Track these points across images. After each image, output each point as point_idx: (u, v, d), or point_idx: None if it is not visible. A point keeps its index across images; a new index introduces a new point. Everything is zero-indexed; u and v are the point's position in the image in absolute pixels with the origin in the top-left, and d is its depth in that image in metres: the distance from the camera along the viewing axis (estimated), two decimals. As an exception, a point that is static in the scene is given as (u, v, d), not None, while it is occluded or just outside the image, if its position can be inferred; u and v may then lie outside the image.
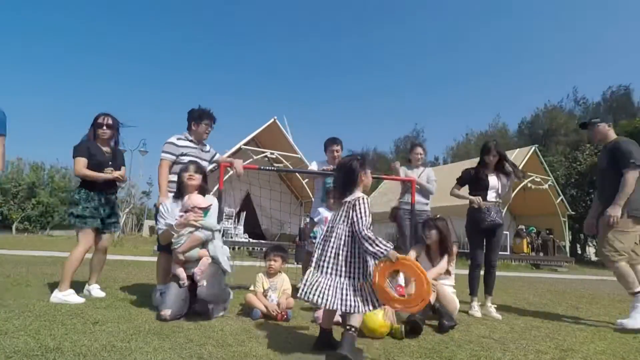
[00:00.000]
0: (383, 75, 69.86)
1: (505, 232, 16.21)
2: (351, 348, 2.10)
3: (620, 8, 50.95)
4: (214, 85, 71.72)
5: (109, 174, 3.42)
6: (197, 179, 3.16)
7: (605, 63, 54.64)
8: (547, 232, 17.04)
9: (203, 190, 3.22)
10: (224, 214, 10.45)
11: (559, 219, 17.34)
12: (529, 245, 15.86)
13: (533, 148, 16.68)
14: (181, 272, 3.01)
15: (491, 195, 3.75)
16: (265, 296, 3.20)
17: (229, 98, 69.84)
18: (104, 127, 3.50)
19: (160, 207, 3.19)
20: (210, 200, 3.19)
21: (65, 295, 3.16)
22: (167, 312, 2.78)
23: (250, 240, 13.08)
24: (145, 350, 2.08)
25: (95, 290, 3.54)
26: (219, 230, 3.26)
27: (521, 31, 60.58)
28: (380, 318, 2.66)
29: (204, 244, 3.09)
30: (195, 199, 3.08)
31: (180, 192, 3.20)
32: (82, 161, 3.38)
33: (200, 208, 3.05)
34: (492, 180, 3.77)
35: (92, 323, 2.56)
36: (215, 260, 3.07)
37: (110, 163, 3.49)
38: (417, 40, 67.23)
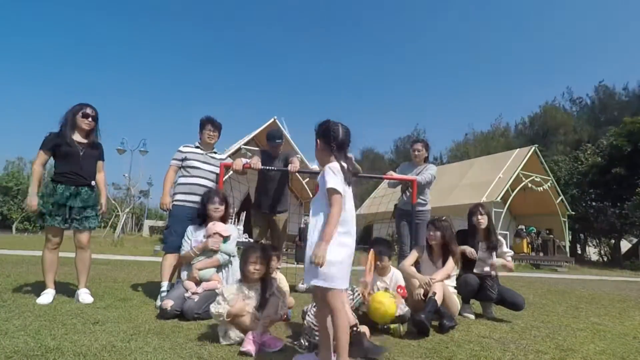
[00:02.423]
0: (383, 76, 69.83)
1: (505, 232, 16.23)
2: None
3: (617, 7, 50.95)
4: (214, 84, 71.71)
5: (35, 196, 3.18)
6: (222, 210, 3.39)
7: (600, 61, 54.67)
8: (547, 232, 17.04)
9: (225, 217, 3.46)
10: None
11: (559, 219, 17.34)
12: (529, 245, 15.86)
13: (533, 148, 16.68)
14: (192, 285, 3.08)
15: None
16: None
17: (228, 98, 69.82)
18: (90, 119, 3.36)
19: (186, 231, 3.39)
20: (232, 229, 3.40)
21: (40, 295, 3.16)
22: (168, 303, 2.84)
23: (250, 240, 13.06)
24: (145, 350, 2.08)
25: (83, 295, 3.27)
26: (236, 257, 3.38)
27: (521, 31, 60.55)
28: (386, 303, 2.73)
29: (219, 269, 3.26)
30: (219, 226, 3.30)
31: (203, 219, 3.40)
32: (41, 155, 3.27)
33: (221, 235, 3.27)
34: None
35: (92, 323, 2.57)
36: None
37: (81, 154, 3.30)
38: (417, 41, 67.19)
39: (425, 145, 4.49)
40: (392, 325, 2.79)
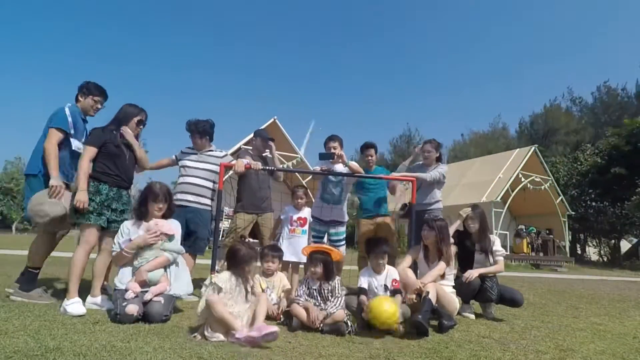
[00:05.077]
0: (381, 76, 69.84)
1: (505, 232, 16.22)
2: None
3: (618, 7, 50.96)
4: (214, 85, 71.74)
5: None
6: (164, 209, 3.15)
7: (601, 61, 54.71)
8: (547, 232, 17.05)
9: (167, 214, 3.19)
10: (224, 214, 10.41)
11: (559, 219, 17.35)
12: (529, 246, 15.87)
13: (533, 148, 16.70)
14: (135, 286, 2.84)
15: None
16: None
17: (229, 97, 69.86)
18: (142, 127, 3.44)
19: (121, 227, 3.08)
20: (175, 226, 3.18)
21: (68, 305, 2.84)
22: (134, 309, 2.64)
23: (250, 240, 13.05)
24: (145, 350, 2.07)
25: (105, 301, 3.09)
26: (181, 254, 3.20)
27: (519, 31, 60.58)
28: (388, 309, 2.72)
29: (166, 267, 3.04)
30: (162, 225, 3.05)
31: (143, 215, 3.11)
32: (90, 151, 3.10)
33: (166, 235, 3.04)
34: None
35: (92, 323, 2.57)
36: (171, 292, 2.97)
37: (127, 157, 3.25)
38: (416, 41, 67.19)
39: (435, 146, 4.43)
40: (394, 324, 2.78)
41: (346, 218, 4.36)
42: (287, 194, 4.42)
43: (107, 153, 3.17)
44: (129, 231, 3.05)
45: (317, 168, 4.34)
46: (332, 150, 4.14)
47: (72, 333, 2.30)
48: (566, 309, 4.44)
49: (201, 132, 3.97)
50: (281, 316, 3.05)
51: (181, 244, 3.23)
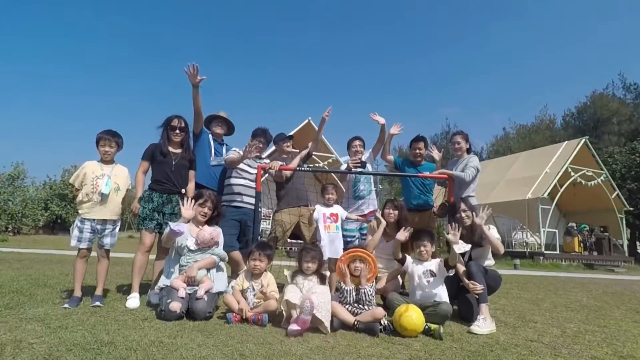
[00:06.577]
0: (400, 70, 68.24)
1: (553, 230, 15.30)
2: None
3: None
4: (245, 86, 73.20)
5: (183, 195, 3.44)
6: (208, 215, 3.33)
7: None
8: (601, 229, 15.85)
9: (212, 221, 3.39)
10: (262, 214, 10.65)
11: (615, 215, 16.09)
12: (581, 244, 14.86)
13: (583, 140, 15.63)
14: (179, 283, 2.99)
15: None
16: (245, 298, 3.02)
17: (261, 100, 71.16)
18: (177, 131, 3.58)
19: (185, 229, 3.20)
20: (220, 234, 3.38)
21: (128, 298, 3.24)
22: (177, 305, 2.76)
23: (288, 240, 13.22)
24: (190, 346, 2.17)
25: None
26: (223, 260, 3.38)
27: (564, 15, 56.87)
28: (414, 318, 2.66)
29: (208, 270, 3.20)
30: (217, 233, 3.31)
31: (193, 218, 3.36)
32: (142, 165, 3.57)
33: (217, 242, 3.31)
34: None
35: (141, 319, 2.72)
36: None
37: (174, 164, 3.53)
38: (450, 25, 64.99)
39: (464, 137, 4.39)
40: (432, 326, 2.71)
41: (377, 206, 4.45)
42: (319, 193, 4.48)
43: (156, 163, 3.55)
44: (188, 230, 3.24)
45: (344, 166, 4.41)
46: (358, 148, 4.42)
47: (124, 329, 2.45)
48: (625, 312, 4.12)
49: (269, 142, 4.23)
50: (260, 320, 2.79)
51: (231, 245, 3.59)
